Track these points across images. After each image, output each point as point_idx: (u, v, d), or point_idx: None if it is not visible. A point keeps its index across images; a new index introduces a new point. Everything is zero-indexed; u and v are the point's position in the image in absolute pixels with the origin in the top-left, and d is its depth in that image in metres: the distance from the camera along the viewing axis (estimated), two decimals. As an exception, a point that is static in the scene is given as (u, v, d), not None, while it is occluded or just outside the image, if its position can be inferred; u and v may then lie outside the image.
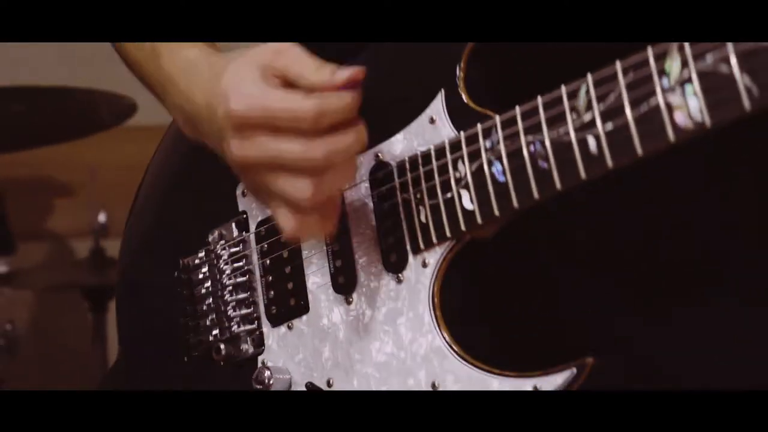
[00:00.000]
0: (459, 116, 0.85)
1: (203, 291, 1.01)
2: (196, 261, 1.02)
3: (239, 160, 0.83)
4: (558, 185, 0.76)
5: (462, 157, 0.82)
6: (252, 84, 0.82)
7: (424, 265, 0.85)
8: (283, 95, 0.81)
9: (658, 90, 0.71)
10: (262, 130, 0.81)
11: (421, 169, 0.85)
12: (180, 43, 0.94)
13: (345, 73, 0.80)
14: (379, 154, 0.89)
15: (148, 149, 1.10)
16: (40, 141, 2.19)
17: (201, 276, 1.01)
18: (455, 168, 0.83)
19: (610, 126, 0.73)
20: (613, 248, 0.88)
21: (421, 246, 0.85)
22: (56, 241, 2.09)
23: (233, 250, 0.98)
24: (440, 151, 0.84)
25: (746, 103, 0.66)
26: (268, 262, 0.96)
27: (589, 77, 0.75)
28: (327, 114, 0.80)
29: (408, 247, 0.86)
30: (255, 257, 0.97)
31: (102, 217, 1.93)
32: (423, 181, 0.85)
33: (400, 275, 0.87)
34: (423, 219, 0.84)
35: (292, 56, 0.82)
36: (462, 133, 0.83)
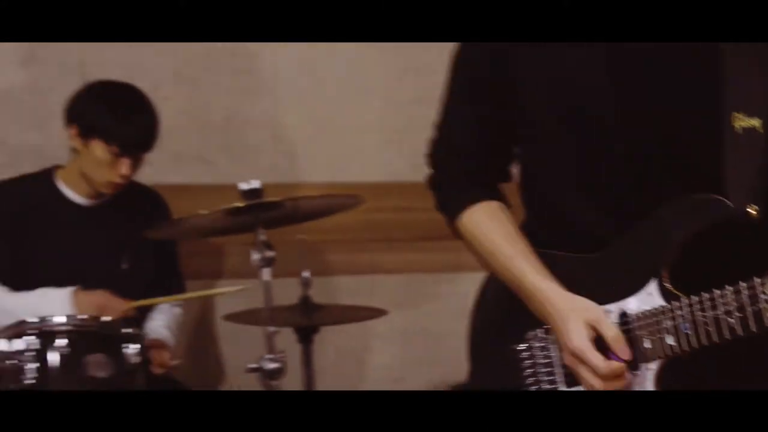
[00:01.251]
0: (666, 294, 1.65)
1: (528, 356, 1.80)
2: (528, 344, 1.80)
3: (568, 346, 1.64)
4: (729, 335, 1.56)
5: (667, 317, 1.63)
6: (578, 334, 1.62)
7: (648, 369, 1.66)
8: (592, 352, 1.60)
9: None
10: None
11: (645, 320, 1.66)
12: (536, 269, 1.72)
13: (625, 354, 1.61)
14: (623, 309, 1.69)
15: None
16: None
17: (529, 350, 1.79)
18: (662, 322, 1.63)
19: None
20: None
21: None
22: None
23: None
24: (656, 311, 1.64)
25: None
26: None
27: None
28: (613, 371, 1.60)
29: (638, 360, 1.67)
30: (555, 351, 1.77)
31: (306, 274, 2.71)
32: (645, 326, 1.66)
33: (635, 372, 1.67)
34: (646, 345, 1.66)
35: (604, 324, 1.62)
36: (667, 305, 1.63)
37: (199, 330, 3.50)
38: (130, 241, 2.88)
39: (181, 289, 3.03)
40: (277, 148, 3.66)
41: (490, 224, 1.77)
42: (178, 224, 2.72)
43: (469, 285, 3.76)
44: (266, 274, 2.36)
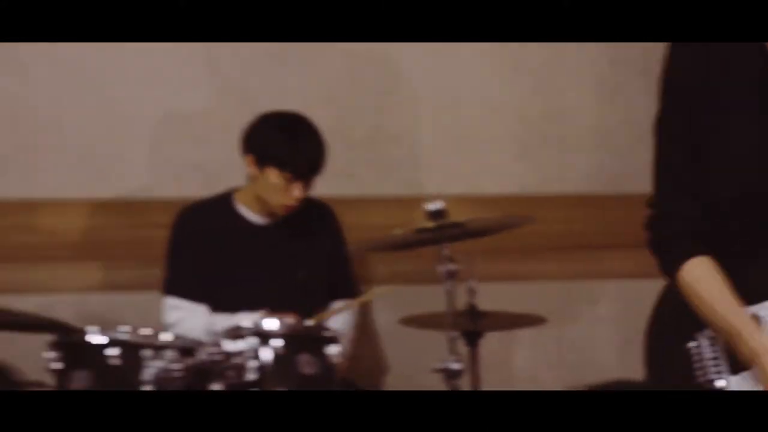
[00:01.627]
0: None
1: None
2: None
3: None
4: None
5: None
6: None
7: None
8: None
9: None
10: None
11: None
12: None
13: None
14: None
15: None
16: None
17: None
18: None
19: None
20: None
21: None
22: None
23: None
24: None
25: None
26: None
27: None
28: None
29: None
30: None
31: (473, 283, 2.95)
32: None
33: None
34: None
35: None
36: None
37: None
38: (304, 252, 3.15)
39: (356, 294, 3.27)
40: (415, 163, 3.90)
41: (706, 282, 1.94)
42: (377, 242, 2.99)
43: (595, 293, 4.02)
44: (449, 285, 2.60)
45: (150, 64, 3.62)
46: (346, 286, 3.27)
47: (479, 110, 3.92)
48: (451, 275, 2.61)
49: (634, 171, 3.72)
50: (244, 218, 3.17)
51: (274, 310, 2.92)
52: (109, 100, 3.61)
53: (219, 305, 3.03)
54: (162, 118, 3.65)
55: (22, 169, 3.56)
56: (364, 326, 3.71)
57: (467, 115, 3.92)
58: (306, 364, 2.51)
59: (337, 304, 3.15)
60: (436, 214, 2.63)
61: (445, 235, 2.62)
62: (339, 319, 3.10)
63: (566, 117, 3.98)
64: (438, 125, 3.91)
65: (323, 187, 3.68)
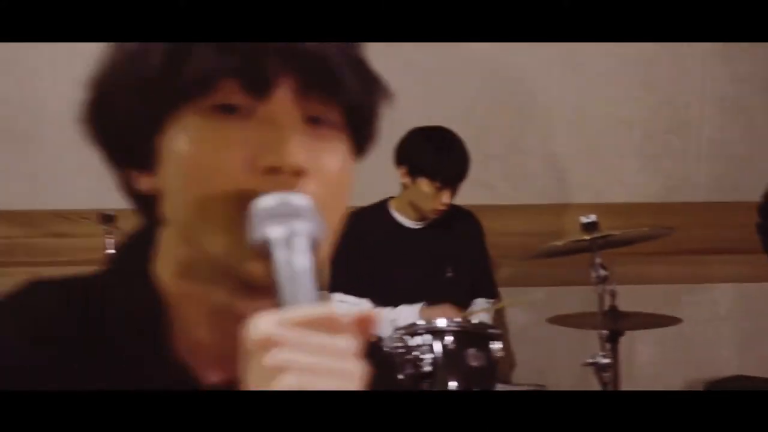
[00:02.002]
0: None
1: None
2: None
3: None
4: None
5: None
6: None
7: None
8: None
9: None
10: None
11: None
12: None
13: None
14: None
15: None
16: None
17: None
18: None
19: None
20: None
21: None
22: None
23: None
24: None
25: None
26: None
27: None
28: None
29: None
30: None
31: (613, 286, 3.26)
32: None
33: None
34: None
35: None
36: None
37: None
38: (451, 252, 3.50)
39: (495, 293, 3.61)
40: (547, 174, 4.22)
41: None
42: (540, 251, 3.34)
43: (715, 295, 4.30)
44: (600, 288, 2.93)
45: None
46: (488, 286, 3.61)
47: (607, 125, 4.23)
48: (602, 280, 2.92)
49: (750, 181, 3.99)
50: (399, 222, 3.53)
51: (429, 304, 3.29)
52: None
53: (380, 300, 3.38)
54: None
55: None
56: (503, 326, 4.08)
57: (596, 130, 4.23)
58: (473, 358, 2.85)
59: (479, 302, 3.49)
60: (590, 226, 2.94)
61: (597, 244, 2.93)
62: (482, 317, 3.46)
63: (689, 130, 4.27)
64: (568, 140, 4.22)
65: (465, 196, 4.04)
